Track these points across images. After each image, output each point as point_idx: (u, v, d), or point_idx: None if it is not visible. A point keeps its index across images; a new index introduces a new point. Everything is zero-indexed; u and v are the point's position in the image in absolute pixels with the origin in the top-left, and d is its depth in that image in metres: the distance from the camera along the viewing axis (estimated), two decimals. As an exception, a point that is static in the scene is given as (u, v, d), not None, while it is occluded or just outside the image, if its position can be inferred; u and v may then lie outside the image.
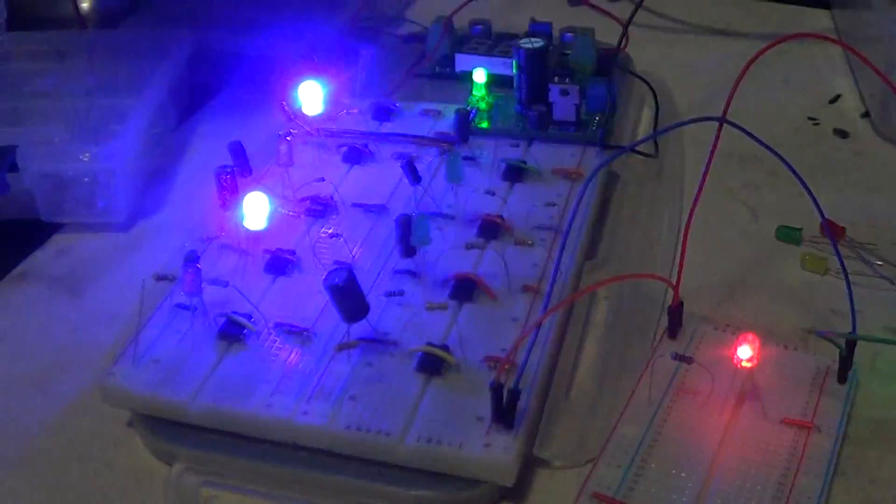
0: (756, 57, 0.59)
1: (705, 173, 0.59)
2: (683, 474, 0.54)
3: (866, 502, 0.55)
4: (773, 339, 0.61)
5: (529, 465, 0.57)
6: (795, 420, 0.57)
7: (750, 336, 0.57)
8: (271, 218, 0.66)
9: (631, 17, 0.86)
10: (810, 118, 0.85)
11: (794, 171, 0.57)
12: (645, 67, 0.88)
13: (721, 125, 0.58)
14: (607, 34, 0.85)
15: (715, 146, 0.59)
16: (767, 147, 0.58)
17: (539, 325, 0.55)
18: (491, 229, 0.67)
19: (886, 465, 0.57)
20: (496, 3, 0.98)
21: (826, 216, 0.59)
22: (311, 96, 0.75)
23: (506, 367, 0.55)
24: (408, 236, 0.62)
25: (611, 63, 0.83)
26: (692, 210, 0.60)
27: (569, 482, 0.55)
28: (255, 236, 0.66)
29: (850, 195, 0.76)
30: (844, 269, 0.58)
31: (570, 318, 0.64)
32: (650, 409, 0.57)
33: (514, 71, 0.77)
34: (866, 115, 0.85)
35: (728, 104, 0.58)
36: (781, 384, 0.59)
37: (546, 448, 0.57)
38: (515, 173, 0.72)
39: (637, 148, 0.76)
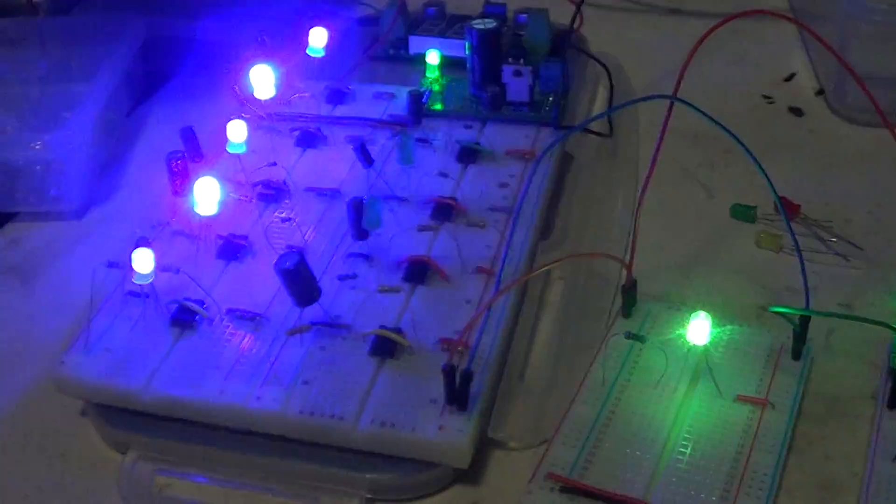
0: (706, 35, 0.59)
1: (656, 152, 0.59)
2: (638, 453, 0.54)
3: (820, 478, 0.55)
4: (727, 317, 0.61)
5: (484, 446, 0.57)
6: (750, 397, 0.57)
7: (702, 314, 0.57)
8: (223, 203, 0.65)
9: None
10: (765, 96, 0.85)
11: (746, 150, 0.57)
12: (600, 47, 0.88)
13: (672, 103, 0.58)
14: (562, 14, 0.85)
15: (666, 124, 0.59)
16: (719, 125, 0.58)
17: (490, 307, 0.55)
18: (444, 211, 0.66)
19: (840, 441, 0.57)
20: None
21: (780, 194, 0.59)
22: (262, 80, 0.74)
23: (458, 349, 0.55)
24: (360, 219, 0.62)
25: (565, 43, 0.83)
26: (643, 189, 0.60)
27: (524, 463, 0.55)
28: (208, 222, 0.65)
29: (806, 173, 0.76)
30: (797, 246, 0.58)
31: (525, 298, 0.64)
32: (604, 389, 0.57)
33: (467, 52, 0.76)
34: (821, 92, 0.85)
35: (679, 82, 0.58)
36: (736, 361, 0.59)
37: (501, 429, 0.57)
38: (469, 155, 0.71)
39: (591, 128, 0.76)
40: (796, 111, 0.84)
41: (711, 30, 0.59)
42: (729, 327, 0.60)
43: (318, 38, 0.71)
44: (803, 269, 0.58)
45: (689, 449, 0.54)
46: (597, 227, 0.69)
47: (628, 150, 0.76)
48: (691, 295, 0.64)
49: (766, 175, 0.57)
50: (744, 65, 0.89)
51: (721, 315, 0.60)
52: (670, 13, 0.98)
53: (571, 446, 0.54)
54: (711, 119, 0.58)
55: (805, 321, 0.58)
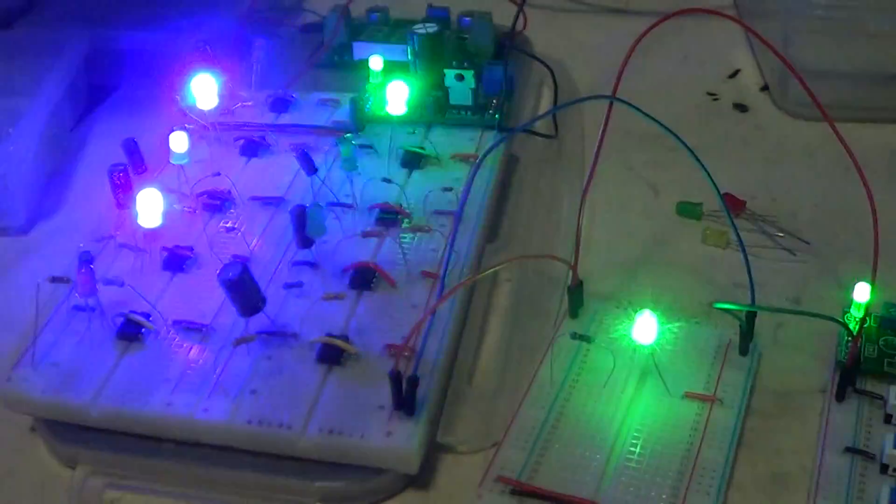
0: (644, 34, 0.59)
1: (597, 152, 0.59)
2: (587, 453, 0.54)
3: (770, 473, 0.55)
4: (675, 314, 0.61)
5: (434, 451, 0.56)
6: (698, 394, 0.57)
7: (648, 313, 0.57)
8: (166, 215, 0.65)
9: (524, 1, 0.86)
10: (710, 93, 0.86)
11: (686, 147, 0.57)
12: (545, 49, 0.88)
13: (611, 103, 0.58)
14: (507, 17, 0.85)
15: (606, 124, 0.59)
16: (659, 123, 0.58)
17: (434, 311, 0.55)
18: (389, 217, 0.66)
19: (788, 434, 0.57)
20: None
21: (724, 191, 0.59)
22: (204, 90, 0.74)
23: (404, 354, 0.55)
24: (303, 227, 0.61)
25: (509, 46, 0.83)
26: (585, 190, 0.60)
27: (474, 467, 0.55)
28: (152, 234, 0.65)
29: (751, 168, 0.77)
30: (741, 242, 0.59)
31: (472, 302, 0.63)
32: (552, 391, 0.57)
33: (410, 57, 0.76)
34: (765, 88, 0.86)
35: (617, 82, 0.58)
36: (684, 358, 0.59)
37: (450, 434, 0.57)
38: (413, 159, 0.71)
39: (536, 130, 0.76)
40: (741, 107, 0.84)
41: (648, 29, 0.59)
42: (676, 324, 0.60)
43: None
44: (748, 265, 0.58)
45: (638, 448, 0.54)
46: (544, 229, 0.69)
47: (574, 151, 0.76)
48: (638, 293, 0.64)
49: (707, 172, 0.58)
50: (689, 63, 0.90)
51: (668, 312, 0.60)
52: (614, 13, 0.98)
53: (520, 449, 0.54)
54: (651, 118, 0.58)
55: (751, 317, 0.59)
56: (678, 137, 0.57)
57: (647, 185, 0.75)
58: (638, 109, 0.57)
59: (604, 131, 0.58)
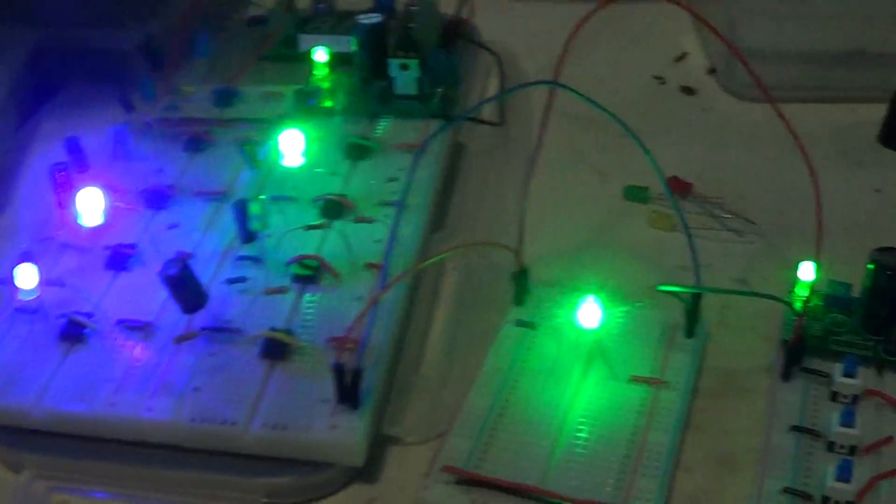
0: (586, 18, 0.59)
1: (540, 138, 0.59)
2: (534, 440, 0.54)
3: (718, 453, 0.55)
4: (621, 299, 0.61)
5: (380, 443, 0.56)
6: (644, 377, 0.57)
7: (591, 298, 0.57)
8: (108, 213, 0.65)
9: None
10: (657, 77, 0.85)
11: (627, 131, 0.57)
12: (492, 36, 0.87)
13: (554, 89, 0.58)
14: (455, 5, 0.85)
15: (549, 110, 0.58)
16: (600, 107, 0.58)
17: (377, 302, 0.55)
18: (333, 209, 0.66)
19: (737, 415, 0.57)
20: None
21: (671, 174, 0.59)
22: (147, 86, 0.73)
23: (347, 346, 0.54)
24: (245, 222, 0.61)
25: (456, 34, 0.82)
26: (528, 176, 0.60)
27: (421, 458, 0.55)
28: (95, 232, 0.64)
29: (699, 151, 0.77)
30: (685, 225, 0.58)
31: (418, 291, 0.63)
32: (498, 378, 0.57)
33: (354, 48, 0.76)
34: (712, 71, 0.86)
35: (558, 67, 0.58)
36: (630, 342, 0.59)
37: (396, 425, 0.56)
38: (358, 151, 0.71)
39: (483, 117, 0.76)
40: (688, 90, 0.84)
41: (589, 15, 0.59)
42: (622, 308, 0.60)
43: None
44: (692, 247, 0.58)
45: (584, 433, 0.54)
46: (491, 216, 0.69)
47: (521, 138, 0.76)
48: (585, 278, 0.64)
49: (650, 156, 0.57)
50: (636, 47, 0.90)
51: (615, 297, 0.60)
52: (562, -1, 0.98)
53: (467, 438, 0.54)
54: (593, 102, 0.57)
55: (696, 299, 0.59)
56: (620, 121, 0.57)
57: (594, 170, 0.74)
58: (580, 94, 0.57)
59: (546, 117, 0.58)
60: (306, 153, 0.69)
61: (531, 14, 0.96)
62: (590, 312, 0.57)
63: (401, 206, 0.57)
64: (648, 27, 0.91)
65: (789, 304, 0.58)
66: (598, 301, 0.57)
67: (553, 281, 0.63)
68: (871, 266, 0.58)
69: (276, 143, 0.69)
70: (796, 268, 0.60)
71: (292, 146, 0.69)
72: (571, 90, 0.57)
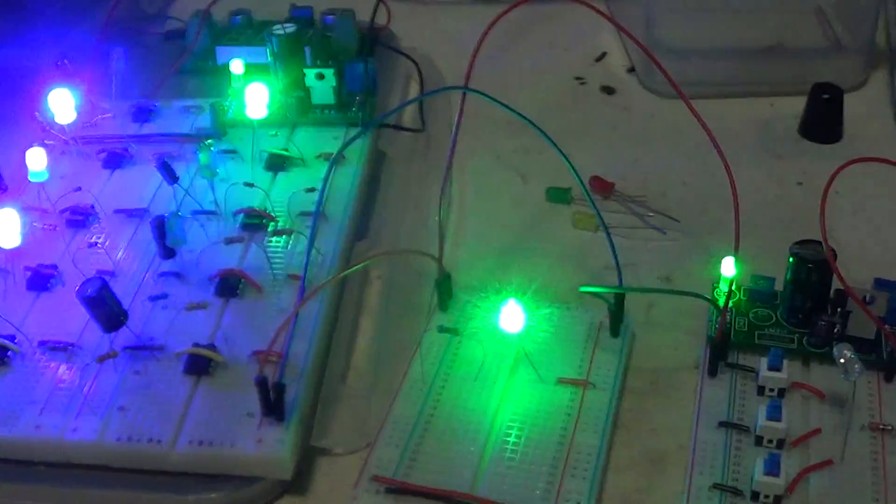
0: (495, 21, 0.59)
1: (453, 144, 0.59)
2: (462, 447, 0.54)
3: (646, 451, 0.56)
4: (546, 301, 0.61)
5: (309, 455, 0.56)
6: (570, 379, 0.57)
7: (513, 301, 0.57)
8: (28, 234, 0.64)
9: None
10: (577, 78, 0.86)
11: (541, 133, 0.57)
12: (412, 42, 0.87)
13: (465, 94, 0.58)
14: (377, 14, 0.85)
15: (461, 115, 0.59)
16: (511, 110, 0.58)
17: (297, 313, 0.54)
18: (254, 221, 0.65)
19: (664, 412, 0.57)
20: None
21: (593, 173, 0.59)
22: (62, 104, 0.72)
23: (270, 359, 0.54)
24: (163, 238, 0.60)
25: (374, 41, 0.82)
26: (444, 181, 0.60)
27: (350, 468, 0.54)
28: (15, 254, 0.63)
29: (620, 150, 0.77)
30: (604, 225, 0.59)
31: (342, 301, 0.63)
32: (424, 386, 0.57)
33: (270, 59, 0.75)
34: (632, 70, 0.86)
35: (469, 70, 0.58)
36: (556, 344, 0.59)
37: (324, 436, 0.56)
38: (277, 162, 0.70)
39: (404, 124, 0.76)
40: (608, 90, 0.84)
41: (498, 17, 0.59)
42: (548, 311, 0.60)
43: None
44: (612, 247, 0.58)
45: (513, 437, 0.54)
46: (415, 223, 0.69)
47: (442, 144, 0.76)
48: (510, 282, 0.64)
49: (566, 158, 0.58)
50: (556, 48, 0.90)
51: (540, 299, 0.60)
52: (481, 2, 0.97)
53: (395, 447, 0.54)
54: (505, 106, 0.57)
55: (620, 298, 0.59)
56: (532, 123, 0.57)
57: (516, 173, 0.74)
58: (491, 98, 0.57)
59: (458, 122, 0.58)
60: (223, 167, 0.69)
61: (451, 18, 0.95)
62: (511, 316, 0.57)
63: (316, 215, 0.57)
64: (568, 28, 0.92)
65: (711, 301, 0.58)
66: (521, 304, 0.57)
67: (478, 285, 0.62)
68: (791, 259, 0.59)
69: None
70: (719, 264, 0.60)
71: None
72: (481, 94, 0.57)
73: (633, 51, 0.87)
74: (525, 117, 0.57)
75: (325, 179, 0.57)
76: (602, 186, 0.70)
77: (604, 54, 0.88)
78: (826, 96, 0.79)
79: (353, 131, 0.73)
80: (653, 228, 0.69)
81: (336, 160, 0.58)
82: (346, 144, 0.63)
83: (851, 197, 0.73)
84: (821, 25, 0.88)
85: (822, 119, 0.79)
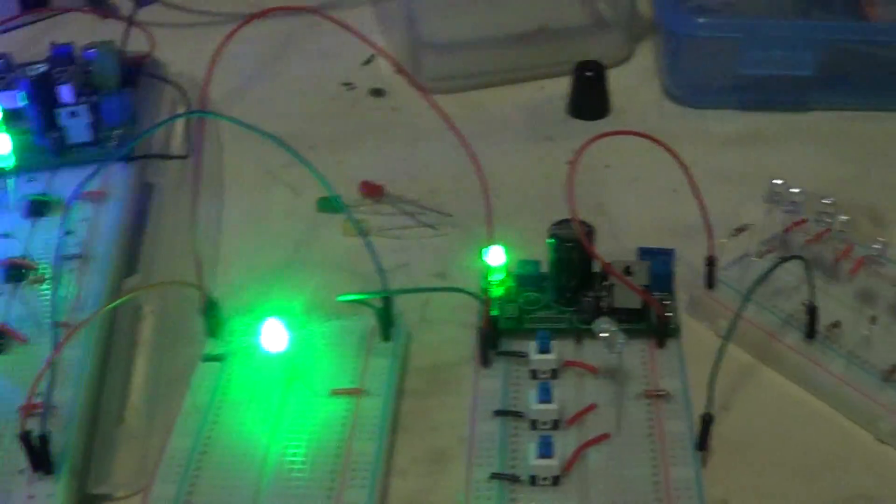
0: (231, 34, 0.59)
1: (196, 166, 0.59)
2: (241, 473, 0.53)
3: (429, 450, 0.56)
4: (317, 313, 0.60)
5: (91, 502, 0.55)
6: (343, 389, 0.57)
7: (273, 320, 0.56)
8: None
9: (131, 17, 0.84)
10: (345, 84, 0.85)
11: (282, 145, 0.57)
12: (181, 68, 0.86)
13: (202, 118, 0.58)
14: (140, 44, 0.84)
15: (200, 138, 0.58)
16: (244, 125, 0.57)
17: (52, 361, 0.53)
18: (15, 272, 0.64)
19: (444, 409, 0.58)
20: (21, 35, 0.94)
21: (361, 179, 0.59)
22: None
23: (32, 411, 0.53)
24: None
25: (137, 71, 0.81)
26: (192, 205, 0.59)
27: (138, 510, 0.54)
28: None
29: (391, 151, 0.77)
30: (359, 229, 0.59)
31: (112, 341, 0.62)
32: (198, 416, 0.56)
33: (24, 102, 0.74)
34: (400, 70, 0.86)
35: (203, 93, 0.58)
36: (329, 356, 0.59)
37: (103, 482, 0.55)
38: (38, 208, 0.69)
39: (169, 152, 0.75)
40: (378, 92, 0.84)
41: (234, 31, 0.59)
42: (318, 323, 0.60)
43: None
44: (372, 251, 0.58)
45: (291, 456, 0.54)
46: (185, 252, 0.68)
47: (212, 168, 0.75)
48: (283, 298, 0.63)
49: (313, 170, 0.57)
50: (325, 57, 0.89)
51: (311, 312, 0.60)
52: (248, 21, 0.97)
53: (171, 482, 0.53)
54: (241, 123, 0.57)
55: (387, 302, 0.59)
56: (279, 140, 0.57)
57: (287, 187, 0.74)
58: (226, 118, 0.57)
59: (199, 146, 0.57)
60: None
61: (213, 39, 0.94)
62: (273, 335, 0.56)
63: (58, 258, 0.56)
64: (337, 36, 0.91)
65: (472, 294, 0.58)
66: (283, 322, 0.57)
67: (250, 307, 0.62)
68: (551, 241, 0.59)
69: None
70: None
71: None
72: (216, 115, 0.57)
73: (400, 51, 0.87)
74: (270, 135, 0.57)
75: (63, 218, 0.56)
76: (372, 190, 0.70)
77: (372, 57, 0.88)
78: (589, 74, 0.80)
79: (115, 166, 0.71)
80: (425, 226, 0.69)
81: (75, 198, 0.56)
82: (85, 180, 0.61)
83: (623, 170, 0.74)
84: (584, 4, 0.89)
85: (588, 97, 0.81)
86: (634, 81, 0.85)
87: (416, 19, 0.82)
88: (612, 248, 0.63)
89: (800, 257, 0.58)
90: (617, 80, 0.83)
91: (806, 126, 0.80)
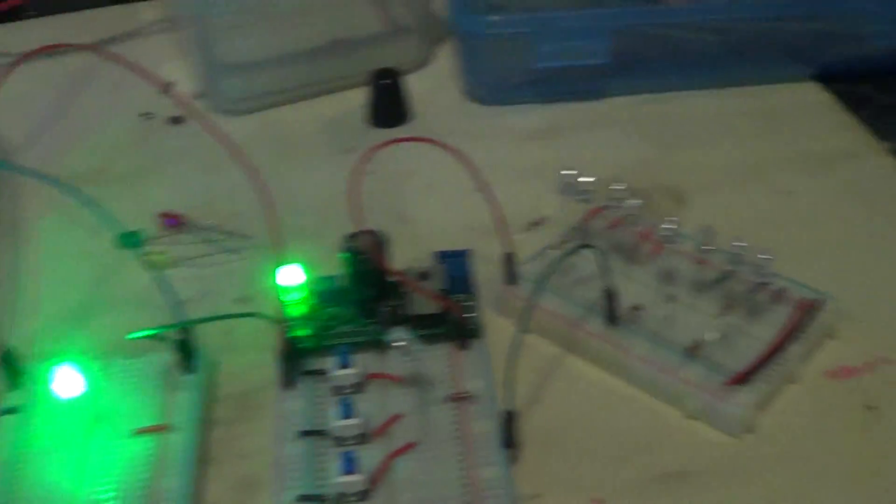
0: (7, 74, 0.58)
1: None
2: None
3: (239, 479, 0.55)
4: (118, 352, 0.60)
5: None
6: (147, 427, 0.56)
7: (65, 366, 0.56)
8: None
9: None
10: (144, 114, 0.84)
11: (62, 185, 0.56)
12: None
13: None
14: None
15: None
16: (19, 170, 0.56)
17: None
18: None
19: (253, 435, 0.57)
20: None
21: (161, 210, 0.58)
22: None
23: None
24: None
25: None
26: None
27: None
28: None
29: (192, 179, 0.76)
30: (154, 261, 0.58)
31: None
32: (1, 473, 0.55)
33: None
34: (200, 95, 0.85)
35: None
36: (130, 396, 0.58)
37: None
38: None
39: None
40: (177, 120, 0.83)
41: (14, 65, 0.58)
42: (119, 363, 0.59)
43: None
44: (164, 285, 0.57)
45: (103, 502, 0.52)
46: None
47: (9, 213, 0.74)
48: (84, 342, 0.62)
49: (98, 208, 0.56)
50: (120, 89, 0.88)
51: (115, 351, 0.59)
52: (45, 59, 0.95)
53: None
54: (18, 170, 0.56)
55: (185, 334, 0.58)
56: (46, 177, 0.56)
57: (83, 227, 0.72)
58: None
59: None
60: None
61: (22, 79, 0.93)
62: (66, 381, 0.56)
63: None
64: (132, 65, 0.90)
65: (266, 317, 0.58)
66: (76, 366, 0.56)
67: (49, 353, 0.61)
68: (344, 255, 0.59)
69: None
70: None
71: None
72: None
73: (199, 76, 0.86)
74: (42, 175, 0.56)
75: None
76: (172, 220, 0.70)
77: (169, 85, 0.87)
78: (385, 81, 0.80)
79: None
80: (227, 252, 0.68)
81: None
82: None
83: (422, 176, 0.74)
84: (379, 12, 0.89)
85: (386, 104, 0.81)
86: (434, 85, 0.85)
87: (210, 42, 0.81)
88: (414, 254, 0.63)
89: (591, 245, 0.59)
90: (416, 85, 0.83)
91: (605, 113, 0.82)
